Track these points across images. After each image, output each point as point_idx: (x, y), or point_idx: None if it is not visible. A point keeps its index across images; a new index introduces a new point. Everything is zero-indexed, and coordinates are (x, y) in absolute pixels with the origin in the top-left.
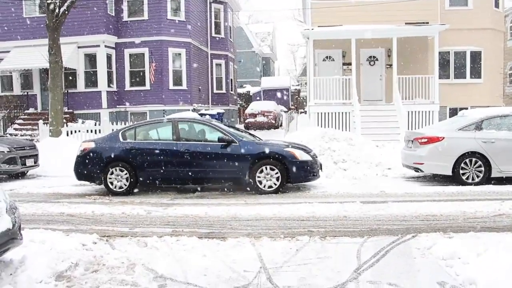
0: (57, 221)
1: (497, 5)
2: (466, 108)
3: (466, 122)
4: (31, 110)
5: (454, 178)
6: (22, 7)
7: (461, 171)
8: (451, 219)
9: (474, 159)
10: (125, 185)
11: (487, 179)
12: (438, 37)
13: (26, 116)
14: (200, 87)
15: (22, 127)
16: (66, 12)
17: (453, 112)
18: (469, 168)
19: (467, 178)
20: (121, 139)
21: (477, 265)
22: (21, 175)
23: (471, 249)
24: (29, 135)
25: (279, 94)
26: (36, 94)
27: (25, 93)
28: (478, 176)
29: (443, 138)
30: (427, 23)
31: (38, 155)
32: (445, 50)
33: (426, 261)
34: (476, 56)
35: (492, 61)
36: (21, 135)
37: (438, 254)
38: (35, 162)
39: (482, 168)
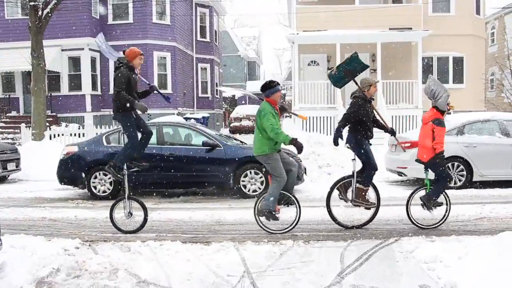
0: (39, 226)
1: (478, 12)
2: (449, 113)
3: (448, 126)
4: (13, 113)
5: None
6: (4, 8)
7: None
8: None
9: (456, 163)
10: (109, 189)
11: (469, 183)
12: (422, 42)
13: (8, 119)
14: (185, 91)
15: (4, 130)
16: (50, 14)
17: None
18: (451, 172)
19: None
20: (105, 143)
21: (459, 268)
22: (2, 179)
23: (452, 252)
24: (11, 138)
25: None
26: (18, 97)
27: (7, 96)
28: (460, 180)
29: None
30: (411, 28)
31: (20, 159)
32: (428, 55)
33: (408, 265)
34: (458, 62)
35: (474, 67)
36: (2, 139)
37: (421, 257)
38: (17, 166)
39: (464, 172)
